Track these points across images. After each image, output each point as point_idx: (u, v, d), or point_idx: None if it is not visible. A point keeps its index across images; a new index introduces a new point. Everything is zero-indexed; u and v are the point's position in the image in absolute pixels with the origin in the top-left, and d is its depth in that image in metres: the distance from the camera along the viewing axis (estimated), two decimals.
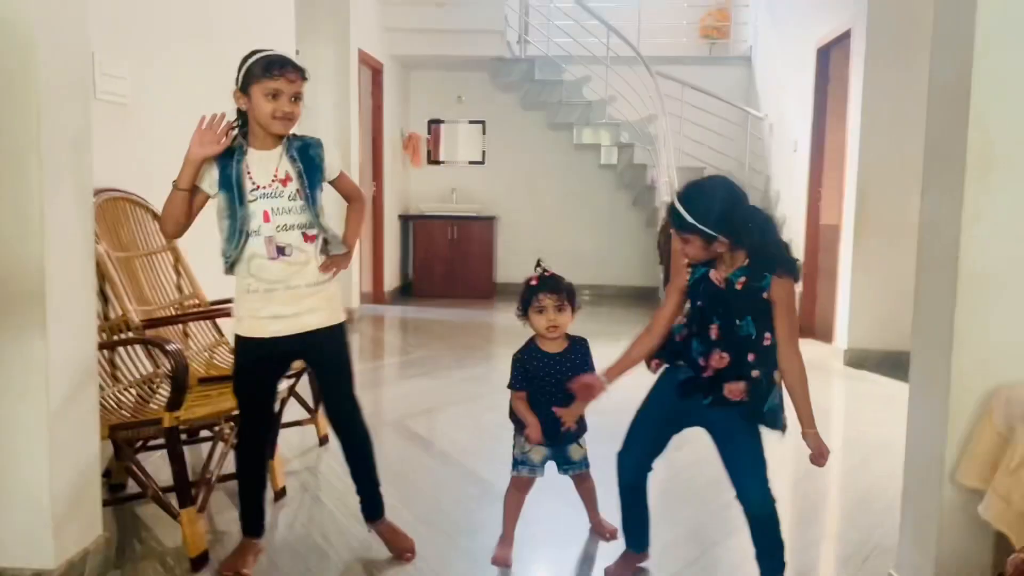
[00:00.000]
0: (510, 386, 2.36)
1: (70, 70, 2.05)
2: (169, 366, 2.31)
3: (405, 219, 8.24)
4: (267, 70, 2.11)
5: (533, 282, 2.31)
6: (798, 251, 5.95)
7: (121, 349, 2.67)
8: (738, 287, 2.01)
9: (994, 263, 1.81)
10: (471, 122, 8.43)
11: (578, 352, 2.35)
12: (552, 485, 2.48)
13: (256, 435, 2.34)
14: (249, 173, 2.18)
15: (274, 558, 2.34)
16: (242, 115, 2.21)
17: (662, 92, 7.11)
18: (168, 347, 2.30)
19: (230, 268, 2.22)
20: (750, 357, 2.01)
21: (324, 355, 2.34)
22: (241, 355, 2.31)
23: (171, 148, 3.49)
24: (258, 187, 2.17)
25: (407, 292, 8.25)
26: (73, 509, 2.08)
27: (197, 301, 3.20)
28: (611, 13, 7.84)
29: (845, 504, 3.02)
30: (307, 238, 2.23)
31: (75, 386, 2.07)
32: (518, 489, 2.43)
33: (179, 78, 3.56)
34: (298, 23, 4.92)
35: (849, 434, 3.97)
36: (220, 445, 2.55)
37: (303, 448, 3.38)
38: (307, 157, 2.24)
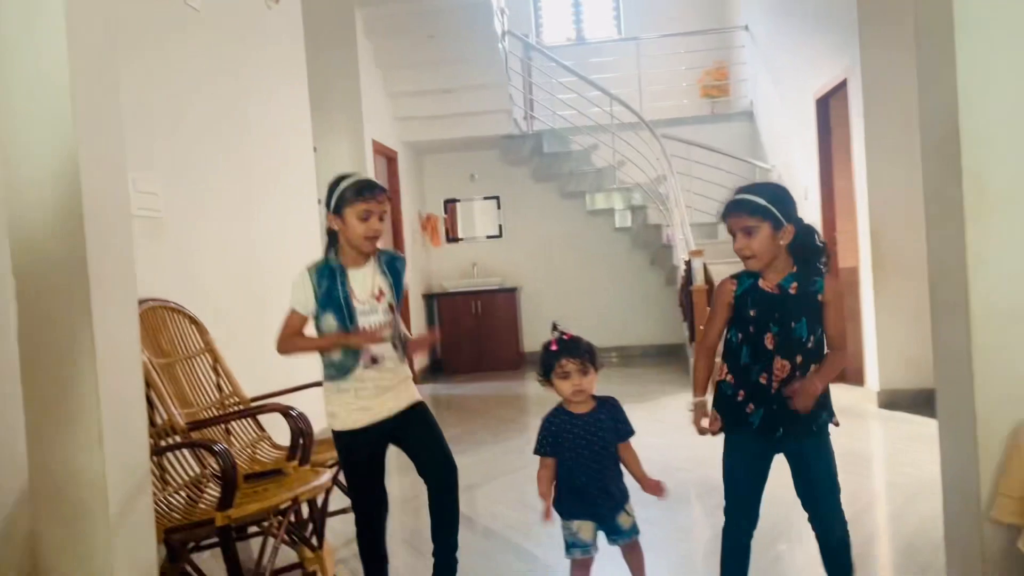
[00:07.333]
0: (536, 451, 2.31)
1: (111, 192, 2.19)
2: (217, 466, 2.39)
3: (429, 297, 8.38)
4: (359, 194, 2.31)
5: (552, 347, 2.26)
6: None
7: (169, 453, 2.76)
8: (792, 291, 2.09)
9: (1006, 301, 1.86)
10: (485, 198, 8.63)
11: (607, 412, 2.30)
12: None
13: (373, 520, 2.46)
14: (353, 292, 2.36)
15: None
16: (332, 235, 2.40)
17: (669, 153, 7.27)
18: (216, 448, 2.38)
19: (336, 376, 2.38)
20: (798, 359, 2.08)
21: (414, 426, 2.46)
22: (342, 450, 2.45)
23: (203, 253, 3.70)
24: (361, 303, 2.36)
25: (438, 370, 8.33)
26: None
27: (237, 399, 3.30)
28: (612, 82, 8.10)
29: (894, 548, 3.00)
30: (395, 346, 2.41)
31: (131, 496, 2.14)
32: (579, 570, 2.35)
33: (209, 187, 3.74)
34: (314, 122, 5.17)
35: (892, 477, 3.94)
36: (271, 540, 2.61)
37: (348, 536, 3.41)
38: (394, 270, 2.47)
